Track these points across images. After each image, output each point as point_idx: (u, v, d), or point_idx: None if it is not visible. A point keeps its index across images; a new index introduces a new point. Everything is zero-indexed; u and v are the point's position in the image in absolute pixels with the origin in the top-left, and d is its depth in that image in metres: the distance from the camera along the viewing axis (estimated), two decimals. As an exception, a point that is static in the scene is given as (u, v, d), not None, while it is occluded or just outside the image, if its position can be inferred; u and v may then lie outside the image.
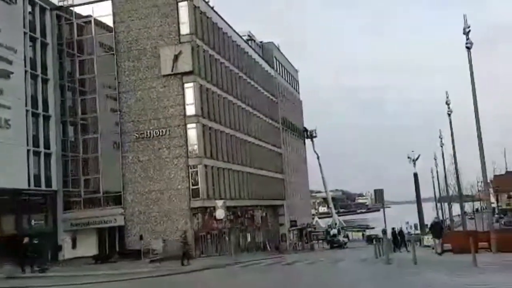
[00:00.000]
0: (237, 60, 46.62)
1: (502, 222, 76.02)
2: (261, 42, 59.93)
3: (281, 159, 58.03)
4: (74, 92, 38.28)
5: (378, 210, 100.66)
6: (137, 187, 36.14)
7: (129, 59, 37.25)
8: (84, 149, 37.92)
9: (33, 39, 35.49)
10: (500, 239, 22.03)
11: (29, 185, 33.25)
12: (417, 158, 64.55)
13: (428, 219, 63.19)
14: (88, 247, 35.42)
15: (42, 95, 36.02)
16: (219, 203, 30.10)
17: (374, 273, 16.96)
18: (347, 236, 67.50)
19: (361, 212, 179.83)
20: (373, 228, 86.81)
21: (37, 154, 34.48)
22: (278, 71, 62.52)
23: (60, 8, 38.53)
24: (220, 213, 29.38)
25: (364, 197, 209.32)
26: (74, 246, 36.20)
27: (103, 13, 37.78)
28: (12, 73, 27.85)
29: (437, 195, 62.95)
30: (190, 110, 36.07)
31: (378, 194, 25.93)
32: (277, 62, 62.34)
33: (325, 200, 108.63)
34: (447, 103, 33.56)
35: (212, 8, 41.37)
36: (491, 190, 59.81)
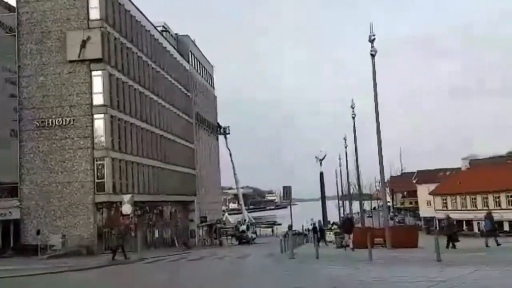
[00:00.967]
0: (151, 51, 45.43)
1: (397, 220, 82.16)
2: (176, 34, 58.96)
3: (194, 154, 57.58)
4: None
5: (286, 207, 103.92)
6: (36, 178, 34.08)
7: (32, 42, 35.00)
8: (-24, 136, 35.04)
9: None
10: (394, 235, 23.62)
11: None
12: (323, 158, 67.69)
13: (331, 216, 66.37)
14: (-22, 242, 32.81)
15: None
16: (126, 197, 29.52)
17: (273, 268, 17.38)
18: (255, 232, 68.82)
19: (270, 209, 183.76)
20: (280, 224, 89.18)
21: None
22: (194, 66, 61.91)
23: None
24: (127, 208, 28.74)
25: (274, 194, 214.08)
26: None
27: (6, -9, 35.20)
28: None
29: (340, 193, 66.16)
30: (98, 99, 34.62)
31: (287, 191, 26.71)
32: (193, 57, 61.72)
33: (236, 196, 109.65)
34: (352, 107, 35.21)
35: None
36: (387, 190, 64.12)
